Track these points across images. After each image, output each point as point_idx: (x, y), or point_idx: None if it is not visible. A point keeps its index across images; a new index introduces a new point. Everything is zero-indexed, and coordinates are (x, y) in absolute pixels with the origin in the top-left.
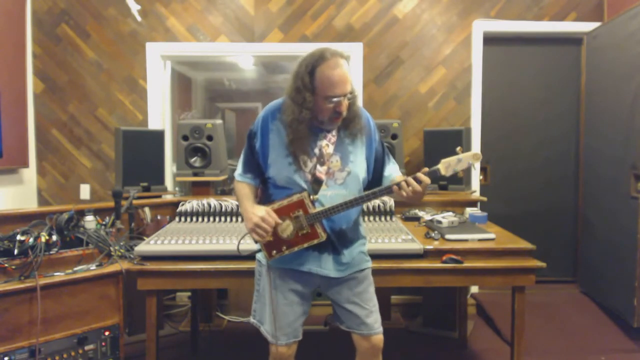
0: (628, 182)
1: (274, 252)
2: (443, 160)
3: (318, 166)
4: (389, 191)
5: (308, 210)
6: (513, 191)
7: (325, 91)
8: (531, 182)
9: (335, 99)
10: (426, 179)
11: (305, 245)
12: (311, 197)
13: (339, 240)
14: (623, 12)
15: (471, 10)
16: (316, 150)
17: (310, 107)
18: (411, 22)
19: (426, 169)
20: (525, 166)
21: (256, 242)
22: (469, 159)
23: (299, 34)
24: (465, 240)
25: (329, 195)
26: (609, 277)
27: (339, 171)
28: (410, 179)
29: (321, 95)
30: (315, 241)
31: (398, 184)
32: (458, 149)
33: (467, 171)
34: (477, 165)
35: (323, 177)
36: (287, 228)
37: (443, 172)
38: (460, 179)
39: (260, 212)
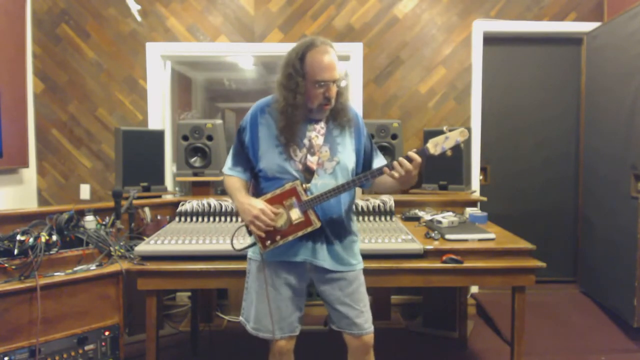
0: (628, 182)
1: (268, 242)
2: (431, 140)
3: (309, 156)
4: (380, 172)
5: (301, 198)
6: (513, 191)
7: (314, 75)
8: (531, 182)
9: (324, 83)
10: (417, 157)
11: (300, 233)
12: (303, 185)
13: (331, 229)
14: (623, 12)
15: (471, 10)
16: (305, 141)
17: (303, 92)
18: (411, 22)
19: (414, 150)
20: (525, 166)
21: (250, 234)
22: (456, 137)
23: (299, 34)
24: (465, 240)
25: (319, 185)
26: (609, 277)
27: (328, 161)
28: (401, 159)
29: (311, 80)
30: (310, 229)
31: (389, 165)
32: (445, 127)
33: (467, 171)
34: (462, 143)
35: (314, 166)
36: (281, 217)
37: (432, 150)
38: (460, 179)
39: (259, 204)
